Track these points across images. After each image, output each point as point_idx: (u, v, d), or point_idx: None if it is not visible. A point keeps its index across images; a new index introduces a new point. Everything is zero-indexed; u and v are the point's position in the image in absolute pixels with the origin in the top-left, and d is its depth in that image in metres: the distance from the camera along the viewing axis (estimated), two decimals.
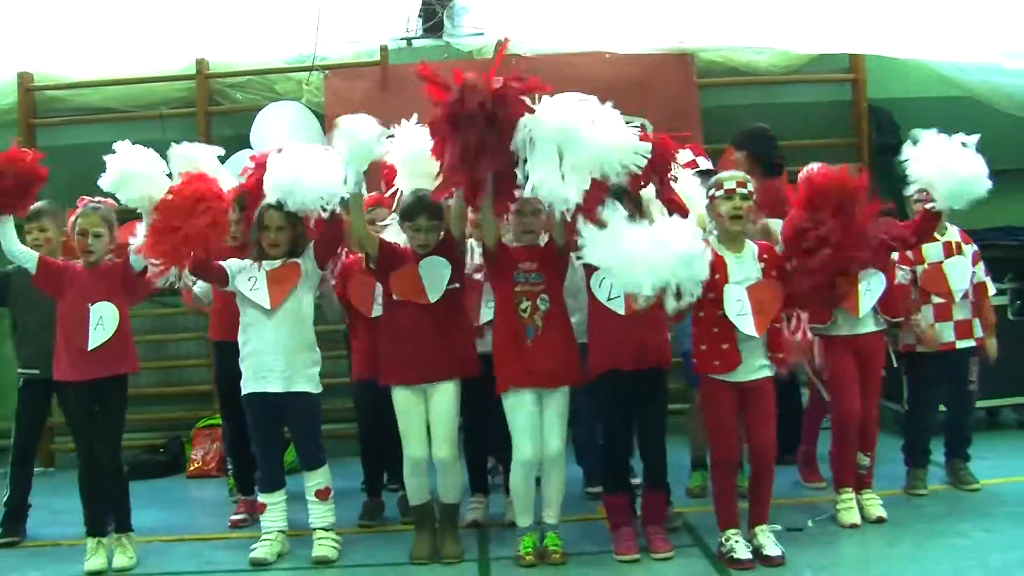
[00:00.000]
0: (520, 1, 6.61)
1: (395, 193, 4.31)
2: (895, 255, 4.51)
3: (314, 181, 3.94)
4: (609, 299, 3.96)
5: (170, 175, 4.12)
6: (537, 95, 3.70)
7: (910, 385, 4.97)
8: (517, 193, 3.81)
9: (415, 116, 4.20)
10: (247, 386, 4.15)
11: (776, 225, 4.33)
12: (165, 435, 6.38)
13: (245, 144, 5.91)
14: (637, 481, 4.25)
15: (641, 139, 3.80)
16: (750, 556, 3.80)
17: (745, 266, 3.90)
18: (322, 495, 4.19)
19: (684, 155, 4.25)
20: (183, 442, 6.32)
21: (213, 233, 3.98)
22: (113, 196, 4.14)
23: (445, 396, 4.03)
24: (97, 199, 4.24)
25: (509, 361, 3.96)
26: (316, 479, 4.19)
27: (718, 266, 3.83)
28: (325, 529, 4.19)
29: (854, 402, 4.30)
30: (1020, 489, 4.70)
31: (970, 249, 4.72)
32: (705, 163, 4.70)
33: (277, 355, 4.09)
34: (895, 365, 4.74)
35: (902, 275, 4.63)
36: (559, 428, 3.97)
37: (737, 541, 3.85)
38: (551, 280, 4.00)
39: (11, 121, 6.47)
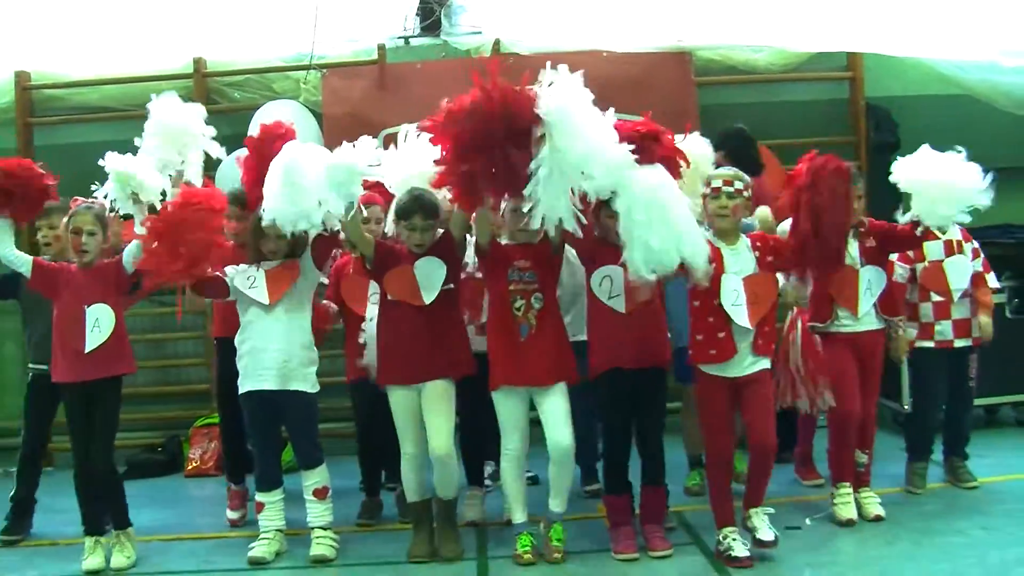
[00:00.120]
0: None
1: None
2: (894, 256, 4.53)
3: (309, 208, 3.81)
4: (610, 297, 3.97)
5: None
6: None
7: (912, 383, 4.96)
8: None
9: (414, 123, 4.16)
10: (244, 384, 4.17)
11: (765, 211, 4.50)
12: (163, 434, 6.38)
13: (242, 143, 5.89)
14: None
15: (634, 125, 3.82)
16: (748, 554, 3.80)
17: (740, 257, 3.92)
18: (320, 494, 4.20)
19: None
20: (181, 441, 6.32)
21: (210, 254, 3.99)
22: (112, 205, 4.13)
23: (440, 393, 4.03)
24: (90, 200, 4.23)
25: (503, 359, 3.96)
26: (314, 478, 4.20)
27: (715, 257, 3.83)
28: (323, 528, 4.19)
29: (854, 400, 4.29)
30: (1018, 487, 4.71)
31: (970, 247, 4.73)
32: None
33: (274, 353, 4.10)
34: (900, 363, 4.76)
35: (900, 273, 4.65)
36: (565, 423, 3.95)
37: (735, 539, 3.85)
38: (545, 278, 4.00)
39: (8, 120, 6.47)
